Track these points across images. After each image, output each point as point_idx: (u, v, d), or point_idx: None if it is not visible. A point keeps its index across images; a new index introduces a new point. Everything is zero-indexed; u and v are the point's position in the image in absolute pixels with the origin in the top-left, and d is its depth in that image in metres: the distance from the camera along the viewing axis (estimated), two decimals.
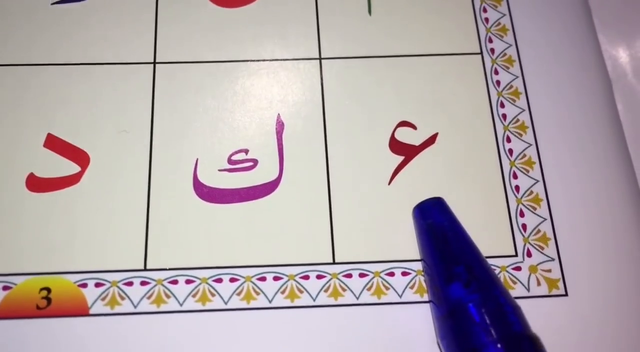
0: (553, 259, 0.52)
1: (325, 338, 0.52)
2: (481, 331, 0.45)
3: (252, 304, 0.53)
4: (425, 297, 0.53)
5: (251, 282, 0.54)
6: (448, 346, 0.46)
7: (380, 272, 0.55)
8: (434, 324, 0.46)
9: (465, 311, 0.46)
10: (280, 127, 0.59)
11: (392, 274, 0.55)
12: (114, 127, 0.59)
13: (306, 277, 0.54)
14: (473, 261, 0.49)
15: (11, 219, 0.54)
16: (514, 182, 0.56)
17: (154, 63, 0.62)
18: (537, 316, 0.50)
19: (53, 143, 0.58)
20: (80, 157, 0.58)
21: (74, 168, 0.57)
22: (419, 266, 0.54)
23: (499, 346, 0.44)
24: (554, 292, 0.51)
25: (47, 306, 0.52)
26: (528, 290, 0.52)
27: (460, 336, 0.46)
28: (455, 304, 0.47)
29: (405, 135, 0.59)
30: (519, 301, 0.49)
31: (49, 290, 0.52)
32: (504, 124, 0.58)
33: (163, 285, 0.53)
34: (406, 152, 0.59)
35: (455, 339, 0.46)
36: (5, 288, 0.52)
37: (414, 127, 0.60)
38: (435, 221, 0.50)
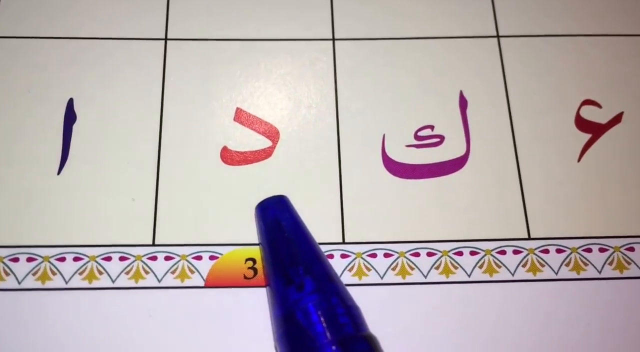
0: None
1: (524, 313, 0.53)
2: (313, 334, 0.44)
3: (451, 278, 0.54)
4: (625, 273, 0.53)
5: (448, 256, 0.54)
6: (284, 348, 0.42)
7: (577, 248, 0.55)
8: (271, 324, 0.44)
9: (299, 314, 0.45)
10: (463, 103, 0.58)
11: (589, 251, 0.54)
12: (300, 102, 0.59)
13: (503, 252, 0.54)
14: (309, 261, 0.45)
15: (210, 191, 0.55)
16: None
17: (333, 39, 0.62)
18: None
19: (242, 117, 0.58)
20: (270, 132, 0.58)
21: (266, 142, 0.57)
22: (615, 242, 0.54)
23: (333, 348, 0.43)
24: None
25: (254, 276, 0.53)
26: None
27: (294, 339, 0.45)
28: (289, 307, 0.46)
29: (591, 114, 0.60)
30: None
31: (254, 260, 0.53)
32: None
33: (363, 258, 0.54)
34: (593, 130, 0.59)
35: (290, 343, 0.43)
36: (212, 258, 0.53)
37: (599, 105, 0.60)
38: (276, 219, 0.48)
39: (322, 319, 0.45)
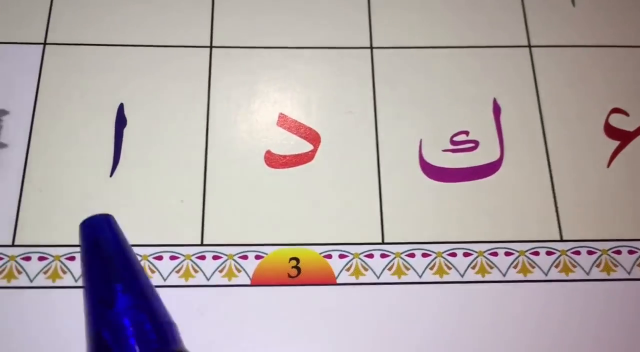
0: None
1: (554, 313, 0.54)
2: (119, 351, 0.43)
3: (487, 277, 0.55)
4: None
5: (484, 256, 0.56)
6: None
7: (608, 250, 0.56)
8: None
9: (105, 333, 0.45)
10: (497, 110, 0.60)
11: (618, 252, 0.56)
12: (340, 108, 0.61)
13: (536, 253, 0.56)
14: (125, 279, 0.46)
15: (255, 193, 0.57)
16: None
17: (371, 48, 0.64)
18: None
19: (285, 122, 0.60)
20: (311, 136, 0.60)
21: (307, 146, 0.59)
22: None
23: None
24: None
25: (298, 274, 0.54)
26: None
27: None
28: (98, 326, 0.44)
29: (619, 121, 0.61)
30: None
31: (297, 260, 0.55)
32: None
33: (402, 257, 0.56)
34: (621, 137, 0.60)
35: None
36: (257, 257, 0.55)
37: (627, 113, 0.61)
38: (95, 238, 0.48)
39: (131, 335, 0.45)
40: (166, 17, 0.63)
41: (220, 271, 0.54)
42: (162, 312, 0.47)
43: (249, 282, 0.54)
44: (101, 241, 0.50)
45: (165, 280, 0.54)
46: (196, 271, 0.54)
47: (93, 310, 0.46)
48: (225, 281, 0.54)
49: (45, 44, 0.62)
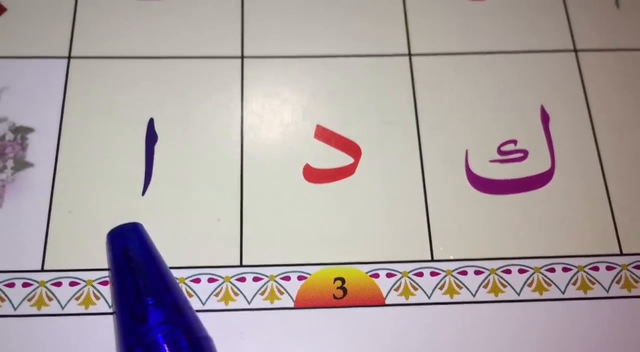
0: None
1: (616, 332, 0.52)
2: None
3: (545, 295, 0.53)
4: None
5: (540, 273, 0.54)
6: None
7: None
8: None
9: (138, 350, 0.44)
10: (545, 118, 0.58)
11: None
12: (380, 118, 0.59)
13: (596, 269, 0.54)
14: (157, 293, 0.45)
15: (294, 209, 0.55)
16: None
17: (409, 55, 0.62)
18: None
19: (323, 134, 0.58)
20: (351, 149, 0.57)
21: (347, 159, 0.57)
22: None
23: None
24: None
25: (344, 296, 0.52)
26: None
27: None
28: (131, 343, 0.44)
29: None
30: None
31: (343, 280, 0.53)
32: None
33: (453, 275, 0.53)
34: None
35: None
36: (300, 278, 0.52)
37: None
38: (124, 249, 0.47)
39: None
40: (195, 28, 0.61)
41: (262, 294, 0.52)
42: (197, 327, 0.45)
43: (292, 305, 0.51)
44: (130, 251, 0.48)
45: (204, 304, 0.51)
46: (236, 294, 0.52)
47: (124, 326, 0.45)
48: (267, 304, 0.52)
49: (69, 57, 0.60)
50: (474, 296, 0.52)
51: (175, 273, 0.52)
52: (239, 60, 0.60)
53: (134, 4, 0.61)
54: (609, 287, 0.52)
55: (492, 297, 0.52)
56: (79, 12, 0.61)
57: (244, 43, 0.61)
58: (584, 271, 0.53)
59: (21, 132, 0.55)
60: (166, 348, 0.43)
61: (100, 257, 0.52)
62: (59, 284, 0.51)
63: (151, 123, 0.57)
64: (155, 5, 0.61)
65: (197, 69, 0.60)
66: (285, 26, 0.61)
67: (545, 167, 0.57)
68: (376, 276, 0.53)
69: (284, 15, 0.62)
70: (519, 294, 0.52)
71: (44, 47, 0.60)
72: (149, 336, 0.44)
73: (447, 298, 0.52)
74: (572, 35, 0.62)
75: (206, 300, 0.52)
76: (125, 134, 0.56)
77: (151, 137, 0.57)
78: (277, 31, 0.61)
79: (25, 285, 0.51)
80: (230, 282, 0.52)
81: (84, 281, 0.52)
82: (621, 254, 0.54)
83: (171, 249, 0.52)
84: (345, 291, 0.52)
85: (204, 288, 0.52)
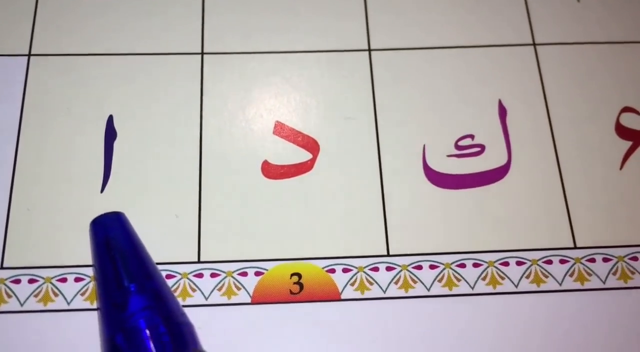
0: None
1: (568, 324, 0.53)
2: None
3: (498, 288, 0.54)
4: None
5: (494, 267, 0.54)
6: None
7: (624, 257, 0.54)
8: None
9: (118, 337, 0.44)
10: (503, 112, 0.59)
11: (635, 259, 0.54)
12: (339, 113, 0.59)
13: (549, 262, 0.54)
14: (139, 280, 0.46)
15: (252, 205, 0.55)
16: None
17: (369, 50, 0.63)
18: None
19: (282, 130, 0.58)
20: (310, 145, 0.58)
21: (306, 155, 0.57)
22: None
23: None
24: None
25: (300, 291, 0.52)
26: None
27: None
28: (111, 330, 0.45)
29: (631, 121, 0.59)
30: None
31: (299, 275, 0.53)
32: None
33: (408, 270, 0.54)
34: (634, 137, 0.59)
35: None
36: (257, 274, 0.53)
37: (638, 112, 0.59)
38: (105, 237, 0.48)
39: (147, 338, 0.44)
40: (155, 24, 0.61)
41: (219, 289, 0.53)
42: (179, 312, 0.46)
43: (249, 300, 0.52)
44: (112, 239, 0.49)
45: None
46: (194, 290, 0.52)
47: (106, 315, 0.45)
48: (224, 300, 0.52)
49: (29, 55, 0.60)
50: (428, 290, 0.53)
51: None
52: (199, 57, 0.61)
53: (94, 1, 0.62)
54: (562, 280, 0.53)
55: (446, 291, 0.53)
56: (40, 10, 0.61)
57: (204, 39, 0.61)
58: (538, 265, 0.54)
59: None
60: (147, 333, 0.44)
61: (58, 254, 0.52)
62: (17, 282, 0.52)
63: (110, 120, 0.57)
64: (115, 3, 0.62)
65: (157, 65, 0.60)
66: (246, 22, 0.62)
67: (501, 161, 0.58)
68: (332, 271, 0.53)
69: (245, 11, 0.62)
70: (472, 288, 0.53)
71: (4, 45, 0.60)
72: (130, 322, 0.44)
73: (402, 292, 0.53)
74: (531, 29, 0.62)
75: None
76: (84, 131, 0.57)
77: (110, 134, 0.57)
78: (237, 27, 0.62)
79: None
80: (188, 278, 0.53)
81: (42, 278, 0.52)
82: (575, 247, 0.55)
83: None
84: (301, 286, 0.53)
85: None
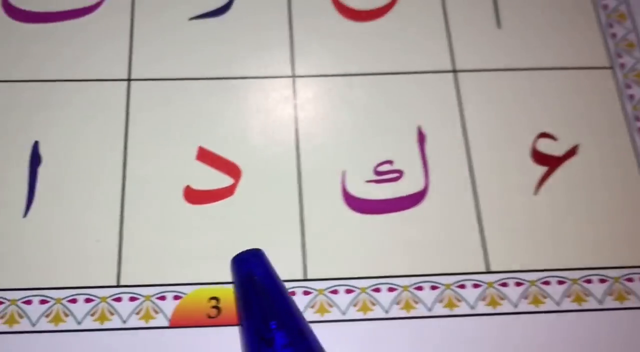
0: None
1: (485, 346, 0.53)
2: None
3: (412, 313, 0.54)
4: (584, 306, 0.55)
5: (409, 291, 0.55)
6: None
7: (536, 281, 0.55)
8: None
9: None
10: (422, 138, 0.60)
11: (547, 283, 0.55)
12: (262, 138, 0.60)
13: (462, 286, 0.55)
14: (282, 316, 0.47)
15: (173, 230, 0.56)
16: None
17: (293, 76, 0.63)
18: None
19: (205, 156, 0.58)
20: (232, 170, 0.59)
21: (228, 180, 0.58)
22: (574, 274, 0.56)
23: None
24: None
25: (218, 314, 0.53)
26: None
27: None
28: None
29: (547, 147, 0.60)
30: None
31: (217, 299, 0.54)
32: None
33: (325, 295, 0.54)
34: (549, 162, 0.60)
35: None
36: (176, 298, 0.54)
37: (554, 138, 0.61)
38: (249, 273, 0.49)
39: None
40: (82, 51, 0.62)
41: (137, 313, 0.53)
42: (321, 349, 0.47)
43: (167, 324, 0.52)
44: (255, 276, 0.51)
45: (79, 323, 0.52)
46: (112, 314, 0.53)
47: (252, 348, 0.47)
48: (142, 324, 0.52)
49: None
50: (343, 314, 0.54)
51: (53, 294, 0.53)
52: (126, 83, 0.61)
53: (18, 28, 0.63)
54: (475, 304, 0.54)
55: (361, 315, 0.54)
56: None
57: (132, 66, 0.61)
58: (451, 289, 0.54)
59: None
60: None
61: None
62: None
63: (36, 146, 0.58)
64: (40, 29, 0.63)
65: (83, 91, 0.61)
66: (173, 49, 0.63)
67: (419, 187, 0.58)
68: None
69: (172, 38, 0.63)
70: (387, 312, 0.54)
71: None
72: None
73: (318, 316, 0.53)
74: (452, 56, 0.63)
75: (82, 319, 0.53)
76: (9, 157, 0.58)
77: (35, 160, 0.58)
78: (164, 54, 0.62)
79: None
80: (107, 302, 0.53)
81: None
82: (488, 271, 0.55)
83: (50, 270, 0.54)
84: (219, 310, 0.53)
85: (80, 308, 0.53)
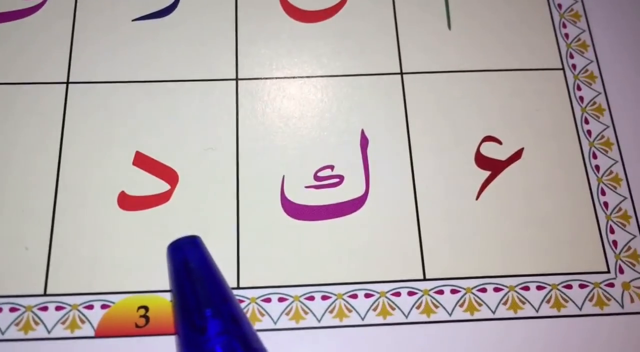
0: None
1: None
2: None
3: (345, 321, 0.54)
4: (520, 313, 0.54)
5: (343, 299, 0.54)
6: None
7: (472, 289, 0.54)
8: None
9: None
10: (364, 142, 0.59)
11: (484, 290, 0.55)
12: (200, 144, 0.59)
13: (397, 294, 0.54)
14: (216, 303, 0.47)
15: (105, 237, 0.55)
16: (602, 199, 0.57)
17: (237, 79, 0.62)
18: (633, 332, 0.51)
19: (142, 161, 0.57)
20: (168, 175, 0.57)
21: (164, 186, 0.57)
22: (510, 281, 0.55)
23: None
24: None
25: (146, 324, 0.52)
26: (622, 307, 0.52)
27: None
28: None
29: (491, 150, 0.59)
30: (613, 318, 0.51)
31: (147, 308, 0.53)
32: (589, 141, 0.59)
33: (257, 303, 0.53)
34: (493, 167, 0.59)
35: None
36: (104, 307, 0.53)
37: (499, 142, 0.59)
38: (184, 260, 0.49)
39: None
40: (21, 54, 0.61)
41: (63, 323, 0.52)
42: (254, 338, 0.47)
43: (92, 334, 0.52)
44: (190, 263, 0.50)
45: (3, 334, 0.51)
46: (37, 323, 0.52)
47: (185, 337, 0.46)
48: (67, 334, 0.52)
49: None
50: (275, 323, 0.53)
51: None
52: (64, 86, 0.60)
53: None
54: (409, 313, 0.53)
55: (293, 324, 0.53)
56: None
57: (71, 68, 0.61)
58: (386, 297, 0.53)
59: None
60: None
61: None
62: None
63: None
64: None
65: (21, 95, 0.60)
66: (114, 52, 0.62)
67: (359, 192, 0.57)
68: None
69: (113, 40, 0.62)
70: (319, 321, 0.53)
71: None
72: (208, 346, 0.45)
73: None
74: (399, 58, 0.62)
75: (6, 329, 0.52)
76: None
77: None
78: (105, 57, 0.62)
79: None
80: (32, 312, 0.52)
81: None
82: (424, 279, 0.54)
83: None
84: (147, 319, 0.52)
85: (4, 318, 0.52)
